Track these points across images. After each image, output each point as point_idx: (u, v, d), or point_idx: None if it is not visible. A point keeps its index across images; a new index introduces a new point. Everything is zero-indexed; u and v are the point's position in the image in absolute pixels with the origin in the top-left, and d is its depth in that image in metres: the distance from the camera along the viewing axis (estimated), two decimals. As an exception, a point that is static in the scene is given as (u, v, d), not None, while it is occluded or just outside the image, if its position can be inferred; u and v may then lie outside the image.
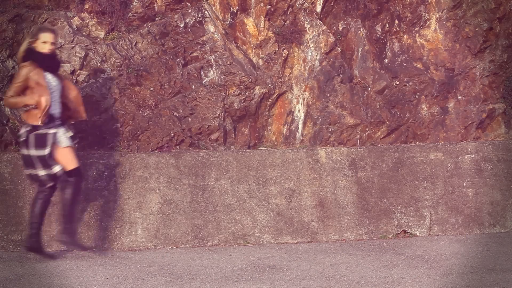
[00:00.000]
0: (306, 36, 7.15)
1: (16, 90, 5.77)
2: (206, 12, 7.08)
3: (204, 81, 6.96)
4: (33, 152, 5.74)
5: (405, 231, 6.74)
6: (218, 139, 6.89)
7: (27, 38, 5.89)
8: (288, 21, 7.13)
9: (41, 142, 5.74)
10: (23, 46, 5.85)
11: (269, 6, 7.09)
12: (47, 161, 5.74)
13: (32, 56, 5.80)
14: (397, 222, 6.74)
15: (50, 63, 5.88)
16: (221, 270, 5.58)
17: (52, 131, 5.80)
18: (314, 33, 7.15)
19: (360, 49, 7.25)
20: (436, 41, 7.34)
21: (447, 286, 5.01)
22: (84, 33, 6.93)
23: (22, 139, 5.80)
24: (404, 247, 6.31)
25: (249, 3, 7.12)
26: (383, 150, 6.82)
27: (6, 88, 6.68)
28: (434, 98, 7.22)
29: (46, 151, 5.73)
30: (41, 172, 5.76)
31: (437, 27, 7.34)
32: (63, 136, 5.88)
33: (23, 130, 5.81)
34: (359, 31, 7.26)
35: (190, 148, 6.80)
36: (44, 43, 5.82)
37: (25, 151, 5.78)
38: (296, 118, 7.09)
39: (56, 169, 5.76)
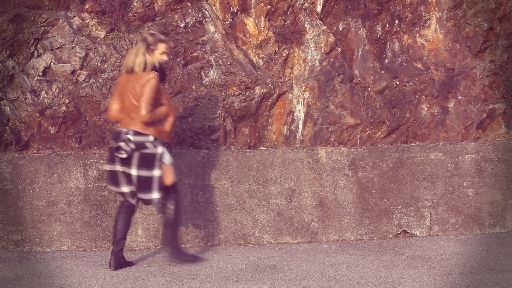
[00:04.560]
0: (306, 36, 7.14)
1: (150, 104, 5.52)
2: (206, 12, 7.08)
3: (205, 81, 6.95)
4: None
5: (405, 231, 6.74)
6: (219, 139, 6.88)
7: (142, 48, 5.61)
8: (288, 21, 7.13)
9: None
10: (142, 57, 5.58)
11: (270, 6, 7.09)
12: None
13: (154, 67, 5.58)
14: (397, 222, 6.74)
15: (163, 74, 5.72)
16: (221, 270, 5.58)
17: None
18: (315, 33, 7.15)
19: (360, 49, 7.24)
20: (436, 41, 7.33)
21: (447, 286, 5.01)
22: (84, 33, 6.93)
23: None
24: (404, 247, 6.31)
25: (250, 3, 7.12)
26: (383, 150, 6.82)
27: (7, 88, 6.70)
28: (434, 98, 7.22)
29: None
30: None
31: (438, 27, 7.33)
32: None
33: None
34: (360, 31, 7.26)
35: (191, 148, 6.80)
36: (161, 54, 5.63)
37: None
38: (296, 118, 7.09)
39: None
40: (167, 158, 5.68)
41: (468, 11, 7.30)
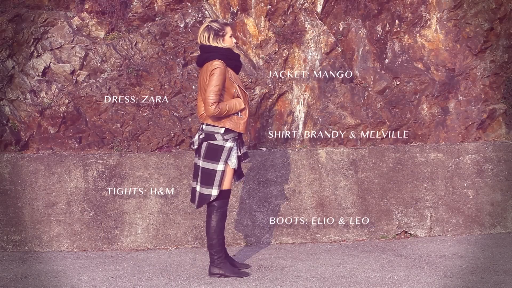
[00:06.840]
0: (306, 36, 7.14)
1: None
2: (206, 12, 7.07)
3: (204, 81, 6.94)
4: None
5: (405, 232, 6.74)
6: (218, 139, 6.86)
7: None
8: (288, 21, 7.12)
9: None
10: None
11: (270, 6, 7.08)
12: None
13: None
14: (397, 223, 6.73)
15: None
16: (221, 271, 5.57)
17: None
18: (315, 33, 7.14)
19: (360, 49, 7.24)
20: (436, 41, 7.32)
21: (447, 286, 5.00)
22: (84, 33, 6.92)
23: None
24: (405, 247, 6.30)
25: (250, 3, 7.11)
26: (384, 151, 6.81)
27: (6, 88, 6.69)
28: (435, 99, 7.21)
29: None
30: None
31: (438, 27, 7.32)
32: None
33: None
34: (360, 31, 7.25)
35: (190, 148, 6.79)
36: (231, 37, 5.42)
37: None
38: (296, 119, 7.08)
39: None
40: (233, 161, 5.36)
41: (468, 11, 7.29)
